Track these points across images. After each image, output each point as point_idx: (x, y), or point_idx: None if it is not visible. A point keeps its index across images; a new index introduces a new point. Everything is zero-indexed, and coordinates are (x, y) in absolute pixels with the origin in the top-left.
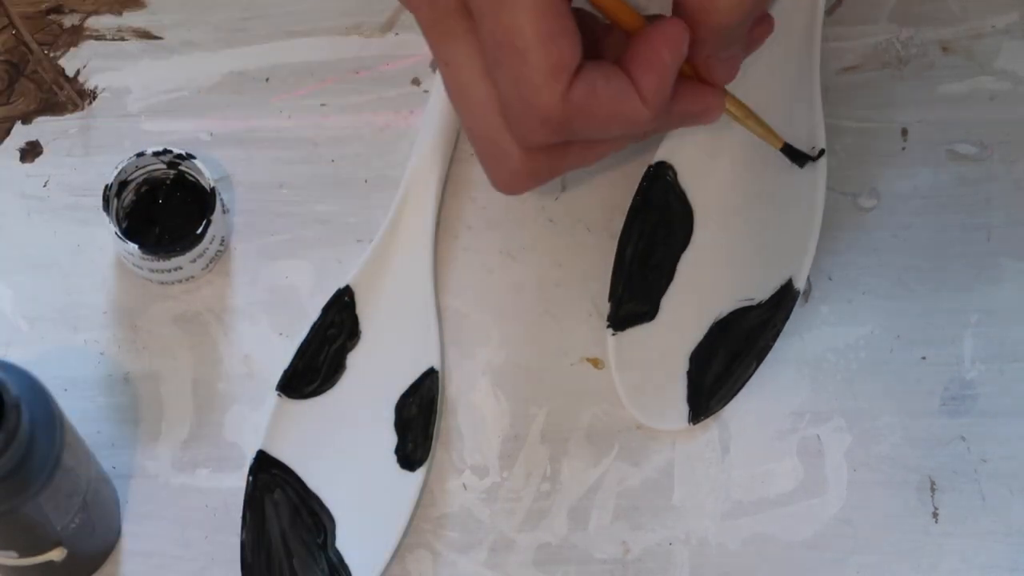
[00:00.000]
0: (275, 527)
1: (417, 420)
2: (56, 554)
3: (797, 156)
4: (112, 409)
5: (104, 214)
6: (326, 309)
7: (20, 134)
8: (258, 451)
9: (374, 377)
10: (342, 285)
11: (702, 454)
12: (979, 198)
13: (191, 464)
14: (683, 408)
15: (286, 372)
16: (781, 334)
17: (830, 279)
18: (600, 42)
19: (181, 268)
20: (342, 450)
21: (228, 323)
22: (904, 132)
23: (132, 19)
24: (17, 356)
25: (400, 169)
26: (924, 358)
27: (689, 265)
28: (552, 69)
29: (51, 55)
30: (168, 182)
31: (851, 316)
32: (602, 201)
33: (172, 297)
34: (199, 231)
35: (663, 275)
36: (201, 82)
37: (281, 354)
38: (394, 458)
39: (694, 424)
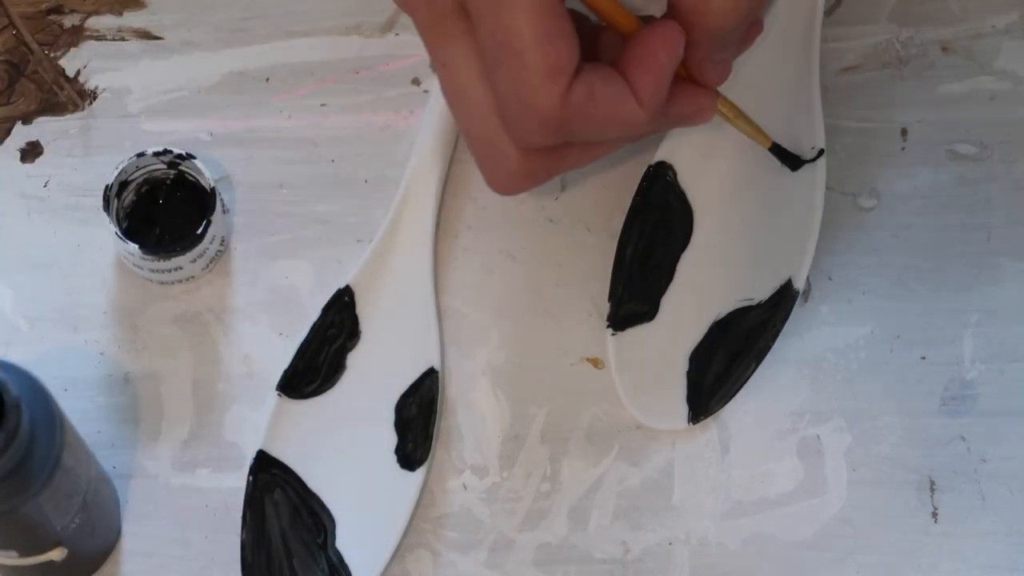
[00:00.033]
0: (275, 527)
1: (417, 420)
2: (56, 554)
3: (786, 156)
4: (112, 409)
5: (104, 214)
6: (326, 309)
7: (20, 134)
8: (258, 451)
9: (374, 377)
10: (342, 285)
11: (702, 454)
12: (979, 198)
13: (191, 464)
14: (683, 408)
15: (286, 372)
16: (781, 334)
17: (830, 279)
18: (594, 43)
19: (181, 268)
20: (342, 450)
21: (228, 323)
22: (904, 132)
23: (132, 19)
24: (17, 356)
25: (400, 169)
26: (924, 358)
27: (689, 265)
28: (550, 71)
29: (51, 55)
30: (168, 182)
31: (851, 316)
32: (602, 201)
33: (172, 297)
34: (199, 231)
35: (663, 275)
36: (201, 82)
37: (281, 354)
38: (394, 458)
39: (694, 424)
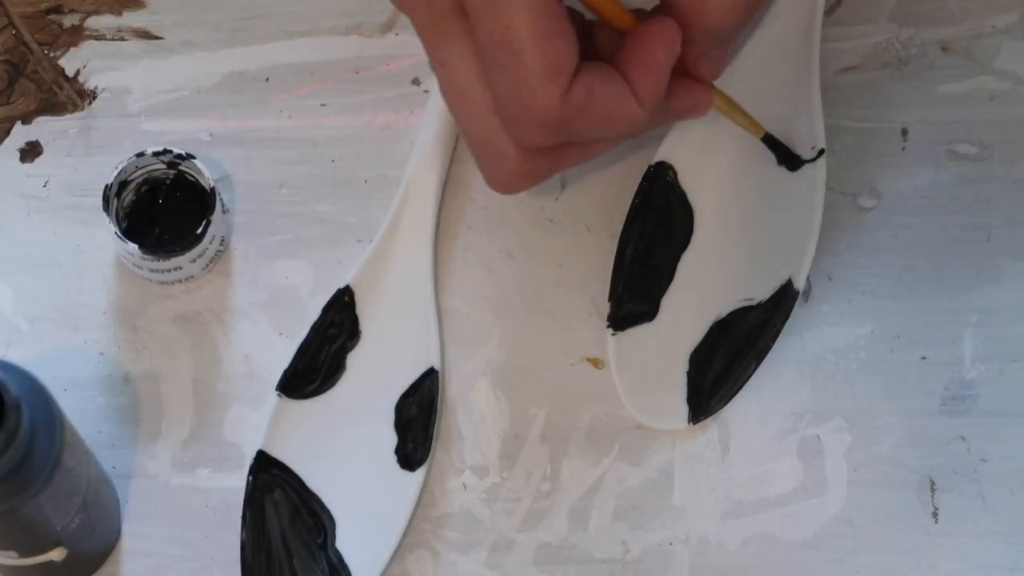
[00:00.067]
0: (275, 527)
1: (417, 420)
2: (56, 554)
3: (779, 148)
4: (112, 409)
5: (104, 214)
6: (326, 309)
7: (20, 134)
8: (258, 451)
9: (374, 377)
10: (342, 285)
11: (702, 454)
12: (979, 198)
13: (191, 464)
14: (683, 408)
15: (286, 372)
16: (781, 334)
17: (830, 279)
18: (589, 39)
19: (181, 268)
20: (342, 450)
21: (228, 323)
22: (904, 132)
23: (132, 19)
24: (17, 356)
25: (400, 169)
26: (924, 358)
27: (689, 265)
28: (549, 71)
29: (51, 55)
30: (168, 182)
31: (851, 316)
32: (602, 201)
33: (172, 297)
34: (199, 231)
35: (663, 275)
36: (201, 82)
37: (281, 354)
38: (394, 458)
39: (694, 424)
